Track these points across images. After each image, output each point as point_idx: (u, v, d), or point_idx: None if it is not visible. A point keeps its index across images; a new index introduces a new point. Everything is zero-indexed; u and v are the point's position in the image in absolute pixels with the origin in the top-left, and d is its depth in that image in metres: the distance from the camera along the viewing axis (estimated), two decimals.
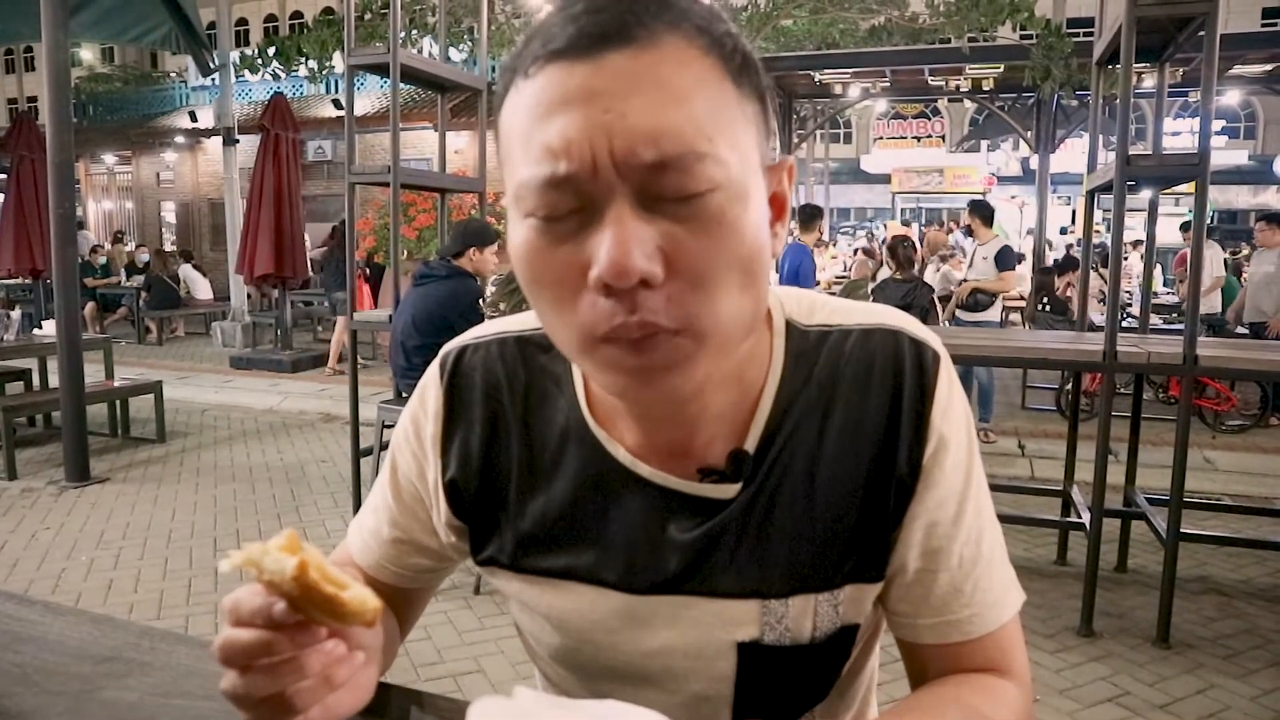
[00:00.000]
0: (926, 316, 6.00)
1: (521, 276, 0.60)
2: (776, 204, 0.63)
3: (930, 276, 8.05)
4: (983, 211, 6.77)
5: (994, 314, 6.54)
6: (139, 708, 0.66)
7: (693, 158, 0.53)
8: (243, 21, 29.08)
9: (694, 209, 0.54)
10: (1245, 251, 13.81)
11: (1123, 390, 5.12)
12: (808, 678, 0.74)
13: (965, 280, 6.56)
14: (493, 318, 0.93)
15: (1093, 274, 5.57)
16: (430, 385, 0.79)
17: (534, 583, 0.74)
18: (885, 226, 17.82)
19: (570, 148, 0.53)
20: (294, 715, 0.59)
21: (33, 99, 34.27)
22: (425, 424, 0.78)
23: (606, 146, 0.52)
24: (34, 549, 4.25)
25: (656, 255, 0.54)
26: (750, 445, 0.69)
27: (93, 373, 5.65)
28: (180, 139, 19.74)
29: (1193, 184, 3.33)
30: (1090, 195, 4.13)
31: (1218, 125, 21.42)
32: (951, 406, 0.70)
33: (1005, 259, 6.46)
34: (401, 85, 4.39)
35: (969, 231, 6.53)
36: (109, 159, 22.07)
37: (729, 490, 0.69)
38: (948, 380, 0.70)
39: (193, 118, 19.51)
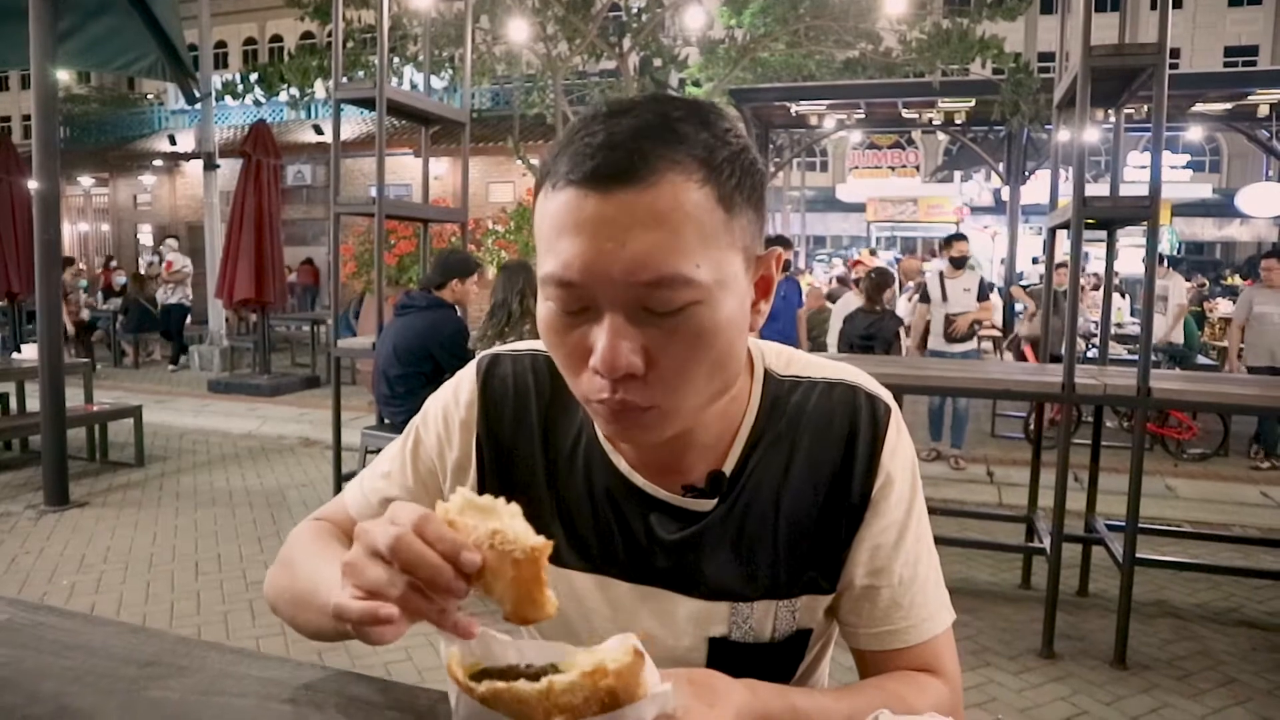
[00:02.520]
0: (889, 348, 6.18)
1: (545, 343, 0.74)
2: (763, 285, 0.77)
3: (903, 306, 8.23)
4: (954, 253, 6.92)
5: (973, 343, 6.73)
6: (183, 705, 0.76)
7: (678, 281, 0.66)
8: (221, 44, 29.11)
9: (674, 322, 0.68)
10: (1206, 286, 14.15)
11: (1088, 419, 5.29)
12: (768, 674, 0.85)
13: (951, 314, 6.65)
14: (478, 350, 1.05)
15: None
16: (465, 380, 0.92)
17: (549, 569, 0.86)
18: (859, 254, 18.07)
19: (579, 264, 0.67)
20: (377, 630, 0.61)
21: (5, 118, 34.01)
22: (455, 411, 0.91)
23: (606, 267, 0.66)
24: (14, 573, 4.27)
25: (640, 353, 0.68)
26: (727, 469, 0.83)
27: (72, 396, 5.67)
28: (158, 162, 19.71)
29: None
30: (1052, 232, 4.31)
31: (1183, 160, 21.95)
32: (899, 450, 0.84)
33: (984, 290, 6.69)
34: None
35: (959, 263, 6.67)
36: (86, 181, 22.00)
37: (706, 505, 0.83)
38: (896, 428, 0.85)
39: (172, 141, 19.51)
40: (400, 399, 4.27)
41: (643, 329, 0.68)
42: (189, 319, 12.32)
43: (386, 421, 4.49)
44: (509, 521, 0.60)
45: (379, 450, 4.38)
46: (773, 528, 0.82)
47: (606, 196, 0.65)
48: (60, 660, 0.84)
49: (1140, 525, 3.44)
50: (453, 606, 0.61)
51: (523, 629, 0.77)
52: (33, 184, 5.62)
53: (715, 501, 0.83)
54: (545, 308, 0.72)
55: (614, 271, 0.66)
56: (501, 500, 0.62)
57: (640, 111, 0.69)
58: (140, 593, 4.06)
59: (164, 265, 11.88)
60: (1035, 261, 17.33)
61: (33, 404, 6.48)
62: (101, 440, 6.50)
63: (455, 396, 0.92)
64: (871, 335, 6.15)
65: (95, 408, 6.45)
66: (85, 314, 11.42)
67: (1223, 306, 11.46)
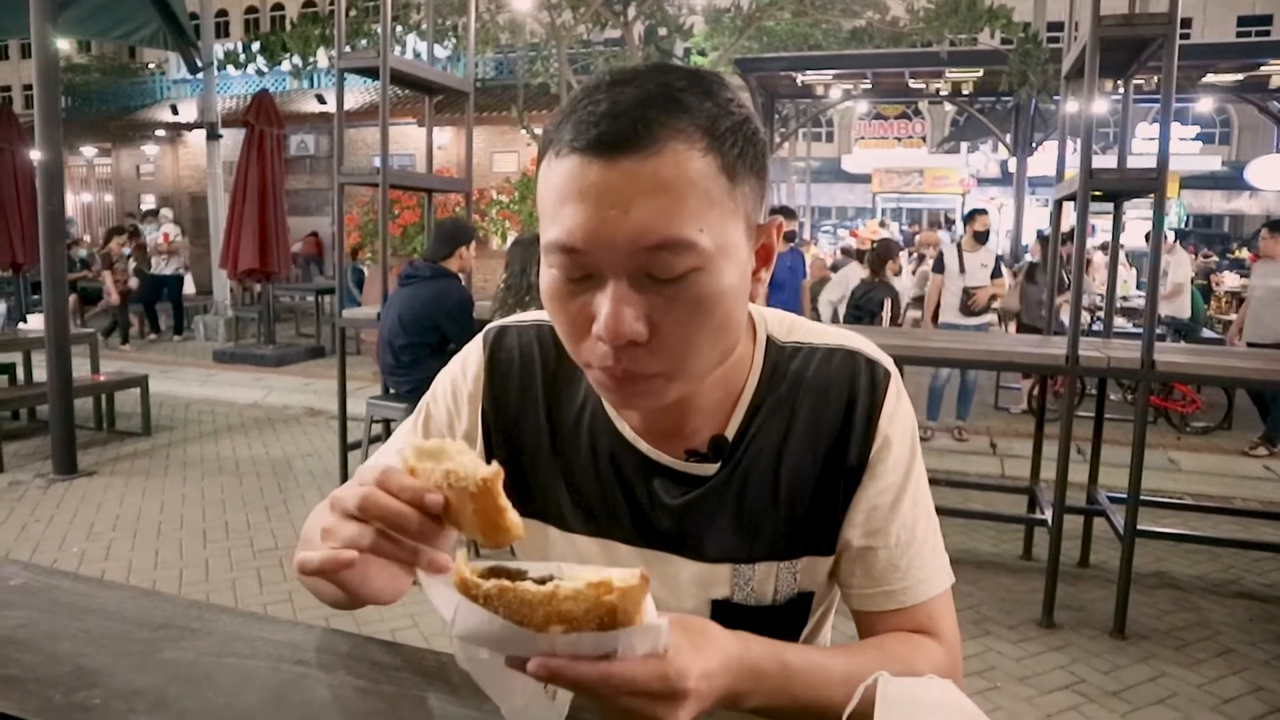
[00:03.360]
0: (873, 319, 6.25)
1: (546, 307, 0.75)
2: (764, 254, 0.78)
3: (906, 278, 8.23)
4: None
5: (989, 317, 6.74)
6: (196, 665, 0.78)
7: (681, 245, 0.67)
8: (223, 13, 28.87)
9: (677, 289, 0.68)
10: (1214, 259, 14.09)
11: (1092, 392, 5.29)
12: (770, 637, 0.87)
13: (970, 288, 6.65)
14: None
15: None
16: (472, 353, 0.94)
17: (554, 534, 0.89)
18: (865, 225, 18.00)
19: (582, 232, 0.67)
20: (363, 587, 0.65)
21: (5, 88, 33.83)
22: (463, 384, 0.92)
23: (610, 234, 0.66)
24: (25, 540, 4.32)
25: (643, 320, 0.68)
26: (729, 434, 0.84)
27: (78, 366, 5.70)
28: (161, 132, 19.63)
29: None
30: (1058, 204, 4.29)
31: (1192, 131, 21.77)
32: (897, 414, 0.85)
33: (997, 266, 6.70)
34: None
35: (984, 237, 6.68)
36: (88, 151, 21.92)
37: (709, 469, 0.84)
38: (896, 393, 0.85)
39: (174, 111, 19.42)
40: (405, 369, 4.28)
41: (645, 296, 0.69)
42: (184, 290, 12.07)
43: (391, 391, 4.51)
44: (459, 459, 0.63)
45: (384, 420, 4.42)
46: (773, 491, 0.84)
47: (610, 164, 0.66)
48: (75, 623, 0.85)
49: (1142, 498, 3.46)
50: (425, 549, 0.63)
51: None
52: (35, 154, 5.61)
53: (718, 466, 0.84)
54: (548, 275, 0.72)
55: (617, 238, 0.66)
56: (448, 440, 0.65)
57: (643, 81, 0.69)
58: (149, 560, 4.11)
59: (161, 236, 11.57)
60: (1039, 235, 17.25)
61: (39, 374, 6.52)
62: (108, 410, 6.54)
63: (463, 370, 0.93)
64: (860, 305, 6.23)
65: (101, 378, 6.48)
66: (134, 282, 10.98)
67: (1229, 280, 11.42)
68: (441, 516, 0.63)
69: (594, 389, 0.86)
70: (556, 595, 0.56)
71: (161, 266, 11.44)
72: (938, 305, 6.80)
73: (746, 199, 0.72)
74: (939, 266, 6.82)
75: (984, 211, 6.90)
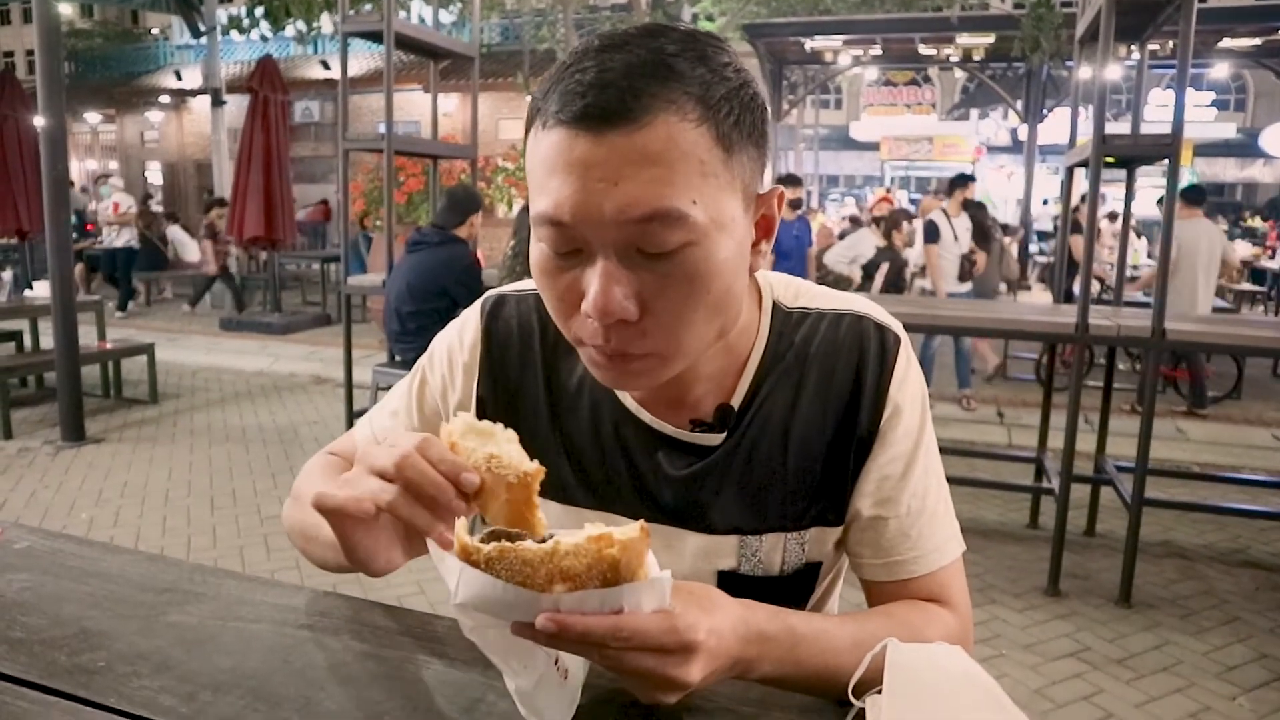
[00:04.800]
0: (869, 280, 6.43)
1: (536, 282, 0.73)
2: (764, 224, 0.75)
3: (918, 246, 8.19)
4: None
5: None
6: (200, 628, 0.77)
7: (672, 217, 0.64)
8: None
9: (668, 265, 0.66)
10: (1226, 228, 13.94)
11: (1101, 361, 5.26)
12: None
13: (965, 254, 6.63)
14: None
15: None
16: (469, 321, 0.92)
17: (554, 507, 0.87)
18: (872, 193, 17.88)
19: (569, 205, 0.65)
20: (359, 546, 0.67)
21: (9, 53, 33.61)
22: (459, 353, 0.91)
23: (598, 207, 0.64)
24: (34, 507, 4.35)
25: (634, 298, 0.67)
26: (735, 402, 0.82)
27: (84, 334, 5.70)
28: (165, 99, 19.53)
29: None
30: (1070, 170, 4.24)
31: (1207, 98, 21.48)
32: (908, 381, 0.83)
33: (987, 231, 6.67)
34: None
35: (969, 205, 6.65)
36: (92, 118, 21.83)
37: (715, 439, 0.82)
38: (906, 359, 0.83)
39: (178, 77, 19.30)
40: (412, 335, 4.27)
41: (636, 273, 0.66)
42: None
43: (398, 359, 4.50)
44: (505, 446, 0.63)
45: (389, 387, 4.42)
46: (781, 460, 0.82)
47: (598, 138, 0.63)
48: (80, 586, 0.85)
49: (1149, 467, 3.44)
50: (440, 524, 0.62)
51: None
52: (38, 120, 5.57)
53: (724, 436, 0.82)
54: (537, 249, 0.70)
55: (605, 211, 0.64)
56: (499, 426, 0.65)
57: (634, 46, 0.65)
58: (157, 526, 4.14)
59: (110, 205, 10.37)
60: (1046, 204, 17.10)
61: (46, 341, 6.53)
62: (115, 377, 6.55)
63: (460, 338, 0.92)
64: (867, 271, 6.36)
65: (108, 345, 6.49)
66: (233, 263, 10.42)
67: (1241, 249, 11.33)
68: (470, 497, 0.63)
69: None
70: (557, 551, 0.56)
71: (112, 238, 10.42)
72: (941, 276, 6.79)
73: (744, 169, 0.69)
74: (933, 236, 6.77)
75: (973, 178, 6.86)
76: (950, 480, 0.89)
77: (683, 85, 0.64)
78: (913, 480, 0.82)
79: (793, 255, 6.87)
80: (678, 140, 0.64)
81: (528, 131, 0.70)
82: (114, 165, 21.91)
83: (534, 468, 0.61)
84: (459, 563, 0.57)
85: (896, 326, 0.84)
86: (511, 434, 0.64)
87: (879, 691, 0.65)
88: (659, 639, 0.58)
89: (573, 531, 0.59)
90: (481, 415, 0.89)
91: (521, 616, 0.57)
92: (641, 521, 0.57)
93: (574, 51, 0.68)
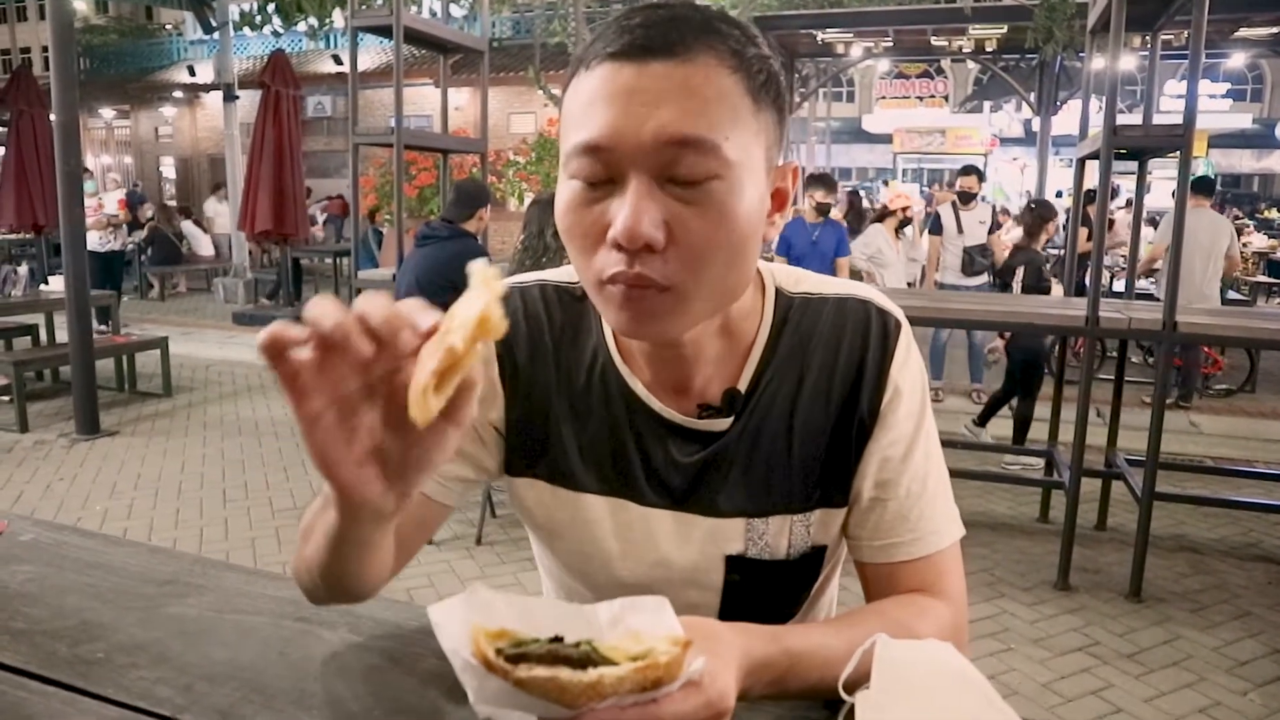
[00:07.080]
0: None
1: (561, 225, 0.73)
2: (779, 198, 0.77)
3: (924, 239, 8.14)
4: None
5: (985, 277, 6.66)
6: (200, 620, 0.78)
7: (706, 145, 0.67)
8: None
9: (698, 194, 0.68)
10: (1242, 219, 13.82)
11: (1112, 354, 5.23)
12: (783, 592, 0.88)
13: (969, 247, 6.57)
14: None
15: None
16: None
17: (561, 494, 0.88)
18: (886, 185, 17.80)
19: (610, 129, 0.67)
20: (341, 458, 0.55)
21: (25, 50, 33.82)
22: None
23: (637, 129, 0.66)
24: (49, 499, 4.39)
25: (662, 226, 0.68)
26: (741, 387, 0.83)
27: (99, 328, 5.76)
28: (179, 94, 19.62)
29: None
30: (1081, 163, 4.21)
31: (1222, 88, 21.28)
32: (908, 365, 0.84)
33: (996, 222, 6.64)
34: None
35: (965, 198, 6.58)
36: (107, 113, 21.96)
37: (723, 424, 0.83)
38: (906, 343, 0.84)
39: (191, 72, 19.38)
40: None
41: (665, 202, 0.68)
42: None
43: None
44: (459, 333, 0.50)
45: None
46: (787, 443, 0.83)
47: (643, 67, 0.67)
48: (82, 577, 0.86)
49: (1161, 460, 3.42)
50: (411, 367, 0.52)
51: (523, 591, 0.76)
52: (53, 115, 5.61)
53: (730, 421, 0.83)
54: (567, 188, 0.72)
55: (643, 133, 0.66)
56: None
57: (675, 7, 0.70)
58: (170, 519, 4.17)
59: (94, 206, 8.72)
60: (1059, 195, 16.99)
61: (61, 335, 6.58)
62: (130, 371, 6.60)
63: None
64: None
65: (122, 339, 6.54)
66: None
67: (1256, 241, 11.22)
68: (419, 344, 0.52)
69: (604, 345, 0.85)
70: (601, 683, 0.54)
71: (106, 241, 9.04)
72: (936, 268, 6.76)
73: (766, 130, 0.72)
74: (936, 228, 6.72)
75: (975, 170, 6.80)
76: (960, 474, 0.90)
77: (721, 38, 0.69)
78: (913, 463, 0.83)
79: (811, 260, 6.47)
80: (715, 80, 0.68)
81: (565, 89, 0.73)
82: (128, 160, 22.06)
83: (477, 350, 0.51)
84: (478, 666, 0.54)
85: (898, 311, 0.86)
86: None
87: (869, 687, 0.65)
88: (696, 716, 0.58)
89: (595, 616, 0.59)
90: (507, 403, 0.89)
91: (554, 715, 0.56)
92: (679, 632, 0.57)
93: (619, 14, 0.72)
